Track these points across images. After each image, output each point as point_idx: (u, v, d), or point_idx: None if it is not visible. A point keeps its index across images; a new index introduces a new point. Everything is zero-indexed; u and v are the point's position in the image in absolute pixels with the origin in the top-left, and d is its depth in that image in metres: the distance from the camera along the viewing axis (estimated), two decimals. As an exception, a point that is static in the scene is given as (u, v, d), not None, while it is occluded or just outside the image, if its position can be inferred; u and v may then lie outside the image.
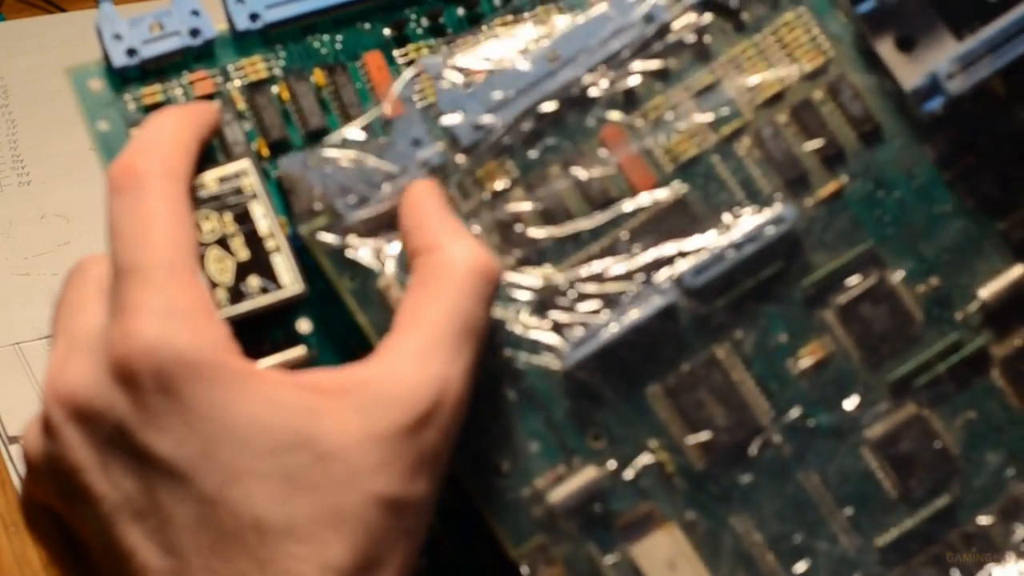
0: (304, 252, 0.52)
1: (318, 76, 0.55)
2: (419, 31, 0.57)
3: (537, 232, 0.53)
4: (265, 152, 0.54)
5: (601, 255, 0.53)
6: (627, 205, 0.53)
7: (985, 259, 0.54)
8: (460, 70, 0.53)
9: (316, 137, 0.55)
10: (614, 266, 0.52)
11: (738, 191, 0.54)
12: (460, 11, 0.57)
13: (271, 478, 0.45)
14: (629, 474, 0.52)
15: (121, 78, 0.54)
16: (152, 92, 0.54)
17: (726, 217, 0.53)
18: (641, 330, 0.52)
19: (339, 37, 0.56)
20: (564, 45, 0.53)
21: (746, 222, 0.53)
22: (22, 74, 0.83)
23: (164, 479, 0.45)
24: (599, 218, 0.53)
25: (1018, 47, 0.53)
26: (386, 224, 0.52)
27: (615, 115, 0.54)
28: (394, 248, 0.51)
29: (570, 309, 0.52)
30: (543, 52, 0.53)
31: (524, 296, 0.52)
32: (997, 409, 0.54)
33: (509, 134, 0.53)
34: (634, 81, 0.54)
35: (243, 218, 0.51)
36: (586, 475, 0.51)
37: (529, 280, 0.52)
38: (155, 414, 0.45)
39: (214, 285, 0.50)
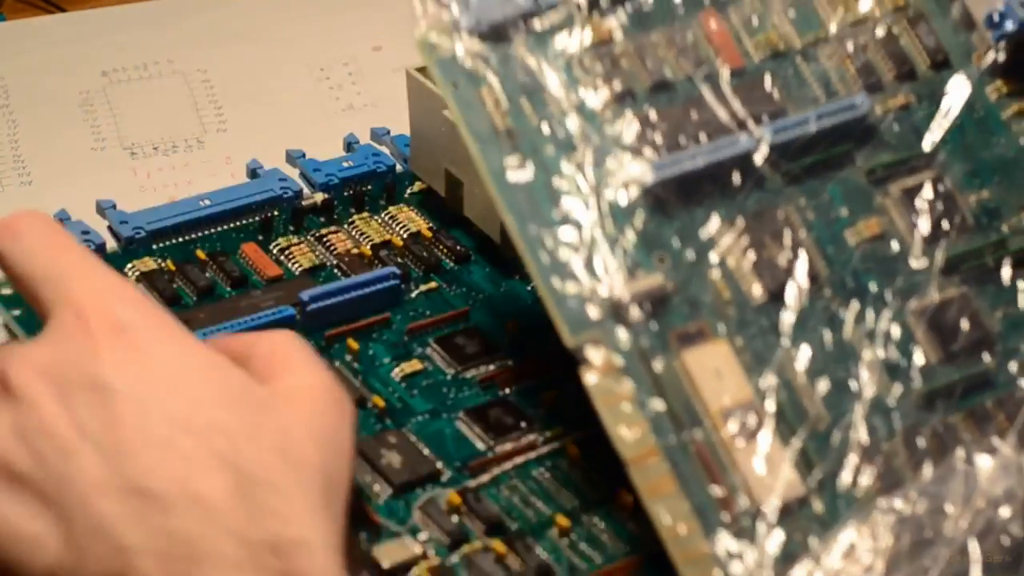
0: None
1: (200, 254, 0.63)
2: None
3: (635, 72, 0.56)
4: None
5: (690, 103, 0.56)
6: (721, 69, 0.56)
7: (1034, 188, 0.57)
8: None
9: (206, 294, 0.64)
10: (703, 109, 0.55)
11: (816, 88, 0.57)
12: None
13: None
14: (688, 294, 0.53)
15: None
16: None
17: (805, 102, 0.57)
18: (720, 167, 0.54)
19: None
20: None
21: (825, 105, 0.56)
22: (23, 74, 0.81)
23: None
24: (694, 72, 0.56)
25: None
26: (496, 33, 0.55)
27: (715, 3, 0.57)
28: (502, 60, 0.55)
29: (657, 145, 0.55)
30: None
31: (612, 130, 0.55)
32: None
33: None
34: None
35: None
36: (652, 280, 0.53)
37: (623, 122, 0.55)
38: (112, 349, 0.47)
39: None
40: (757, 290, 0.53)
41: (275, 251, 0.67)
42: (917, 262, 0.55)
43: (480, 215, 0.66)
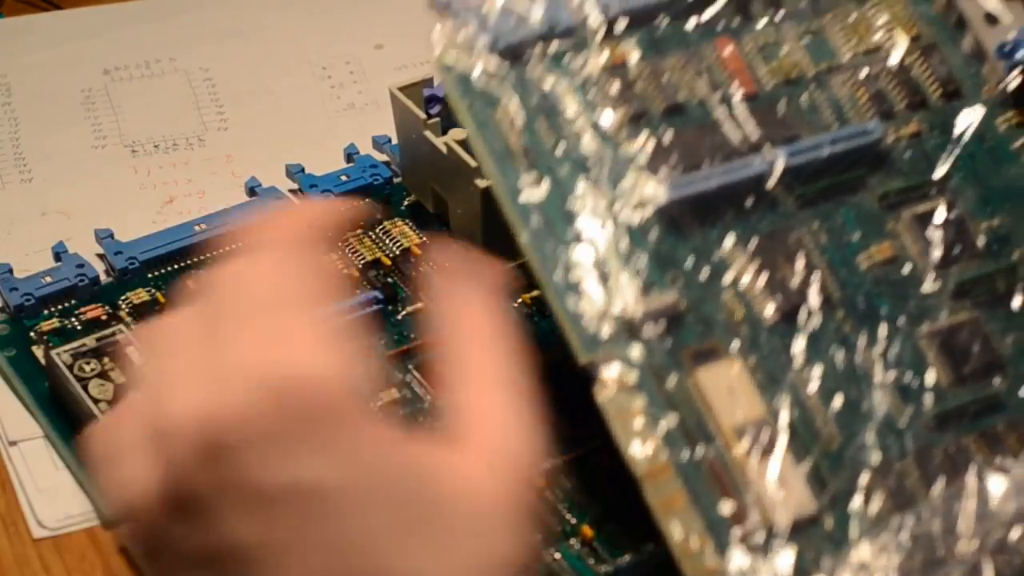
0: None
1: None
2: None
3: (649, 95, 0.56)
4: None
5: (705, 126, 0.56)
6: (735, 93, 0.57)
7: (1045, 217, 0.58)
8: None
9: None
10: (717, 132, 0.56)
11: (829, 115, 0.57)
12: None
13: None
14: (701, 313, 0.53)
15: None
16: None
17: (818, 128, 0.57)
18: (734, 188, 0.54)
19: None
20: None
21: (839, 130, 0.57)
22: (25, 71, 0.81)
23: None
24: (709, 96, 0.56)
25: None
26: (513, 54, 0.55)
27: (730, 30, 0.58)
28: (518, 80, 0.55)
29: (672, 166, 0.55)
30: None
31: (627, 151, 0.55)
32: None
33: (632, 21, 0.57)
34: (752, 6, 0.58)
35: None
36: (665, 298, 0.53)
37: (638, 142, 0.55)
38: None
39: (96, 401, 0.60)
40: (770, 310, 0.54)
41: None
42: (929, 286, 0.55)
43: (465, 235, 0.67)
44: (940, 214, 0.56)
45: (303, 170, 0.72)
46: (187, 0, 0.87)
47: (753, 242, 0.54)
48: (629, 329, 0.52)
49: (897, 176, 0.57)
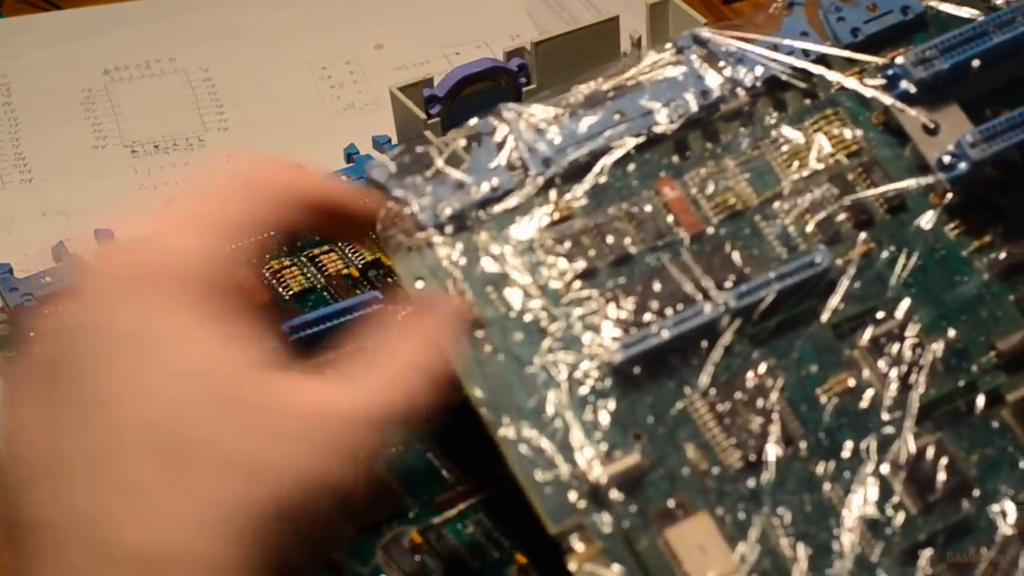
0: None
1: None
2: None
3: (596, 249, 0.57)
4: None
5: (654, 275, 0.57)
6: (681, 237, 0.57)
7: (999, 324, 0.58)
8: (534, 117, 0.58)
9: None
10: (667, 281, 0.56)
11: (777, 245, 0.58)
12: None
13: None
14: (666, 469, 0.54)
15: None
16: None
17: (767, 261, 0.58)
18: (687, 337, 0.55)
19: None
20: (628, 105, 0.59)
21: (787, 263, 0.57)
22: (25, 71, 0.83)
23: None
24: (655, 243, 0.57)
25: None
26: (456, 223, 0.56)
27: (670, 169, 0.59)
28: (464, 251, 0.56)
29: (623, 321, 0.56)
30: (611, 107, 0.59)
31: (578, 311, 0.56)
32: (1012, 447, 0.56)
33: (572, 174, 0.58)
34: (691, 142, 0.59)
35: None
36: (629, 460, 0.54)
37: (589, 302, 0.56)
38: None
39: None
40: (734, 457, 0.54)
41: (267, 274, 0.68)
42: (890, 414, 0.56)
43: None
44: (895, 337, 0.57)
45: (302, 169, 0.73)
46: (187, 0, 0.88)
47: (712, 390, 0.55)
48: (595, 496, 0.53)
49: (849, 302, 0.57)
